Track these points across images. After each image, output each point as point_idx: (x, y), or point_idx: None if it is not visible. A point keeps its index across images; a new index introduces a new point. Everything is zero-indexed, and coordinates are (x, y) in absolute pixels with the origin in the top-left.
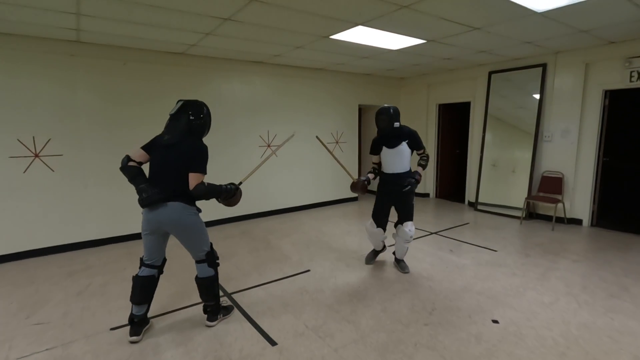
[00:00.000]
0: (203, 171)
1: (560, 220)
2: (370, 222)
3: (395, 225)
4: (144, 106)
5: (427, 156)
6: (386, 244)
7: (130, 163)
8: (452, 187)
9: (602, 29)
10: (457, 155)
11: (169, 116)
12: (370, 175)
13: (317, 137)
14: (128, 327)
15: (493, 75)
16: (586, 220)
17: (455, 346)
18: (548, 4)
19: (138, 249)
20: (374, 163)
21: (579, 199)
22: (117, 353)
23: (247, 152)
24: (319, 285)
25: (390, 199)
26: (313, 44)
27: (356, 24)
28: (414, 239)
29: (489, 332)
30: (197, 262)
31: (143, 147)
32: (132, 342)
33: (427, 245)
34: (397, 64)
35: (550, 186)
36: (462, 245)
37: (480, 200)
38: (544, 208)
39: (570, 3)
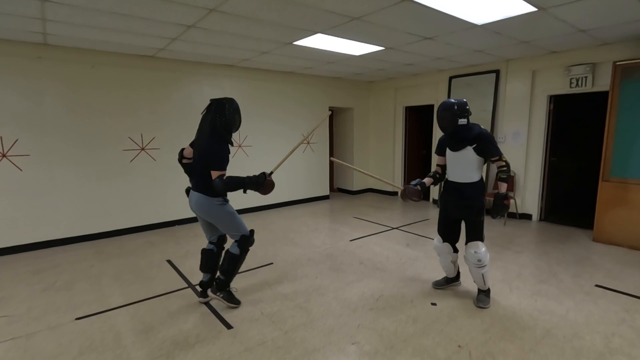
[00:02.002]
0: (219, 169)
1: (512, 215)
2: (436, 237)
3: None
4: (113, 108)
5: (507, 165)
6: (460, 275)
7: (184, 160)
8: None
9: (541, 40)
10: (424, 156)
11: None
12: (427, 180)
13: (331, 158)
14: (94, 317)
15: (453, 80)
16: (535, 216)
17: (393, 326)
18: (485, 18)
19: (107, 248)
20: (438, 165)
21: (529, 196)
22: (80, 341)
23: None
24: (279, 277)
25: (452, 211)
26: (278, 50)
27: (315, 32)
28: (484, 264)
29: (425, 314)
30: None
31: (191, 144)
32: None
33: (387, 239)
34: (363, 69)
35: None
36: (419, 239)
37: None
38: None
39: (503, 17)
